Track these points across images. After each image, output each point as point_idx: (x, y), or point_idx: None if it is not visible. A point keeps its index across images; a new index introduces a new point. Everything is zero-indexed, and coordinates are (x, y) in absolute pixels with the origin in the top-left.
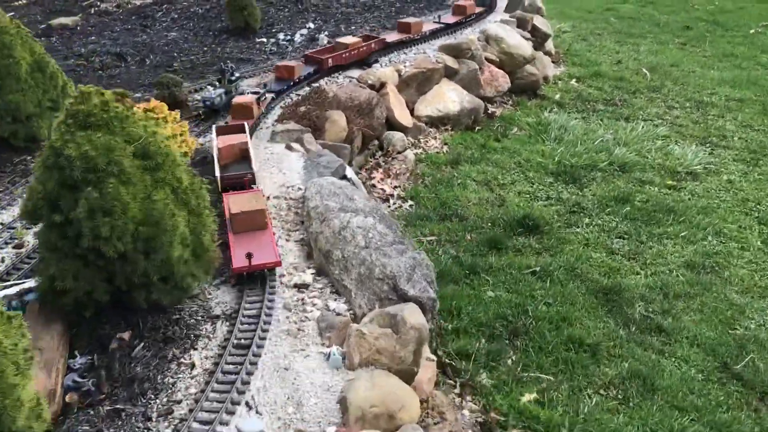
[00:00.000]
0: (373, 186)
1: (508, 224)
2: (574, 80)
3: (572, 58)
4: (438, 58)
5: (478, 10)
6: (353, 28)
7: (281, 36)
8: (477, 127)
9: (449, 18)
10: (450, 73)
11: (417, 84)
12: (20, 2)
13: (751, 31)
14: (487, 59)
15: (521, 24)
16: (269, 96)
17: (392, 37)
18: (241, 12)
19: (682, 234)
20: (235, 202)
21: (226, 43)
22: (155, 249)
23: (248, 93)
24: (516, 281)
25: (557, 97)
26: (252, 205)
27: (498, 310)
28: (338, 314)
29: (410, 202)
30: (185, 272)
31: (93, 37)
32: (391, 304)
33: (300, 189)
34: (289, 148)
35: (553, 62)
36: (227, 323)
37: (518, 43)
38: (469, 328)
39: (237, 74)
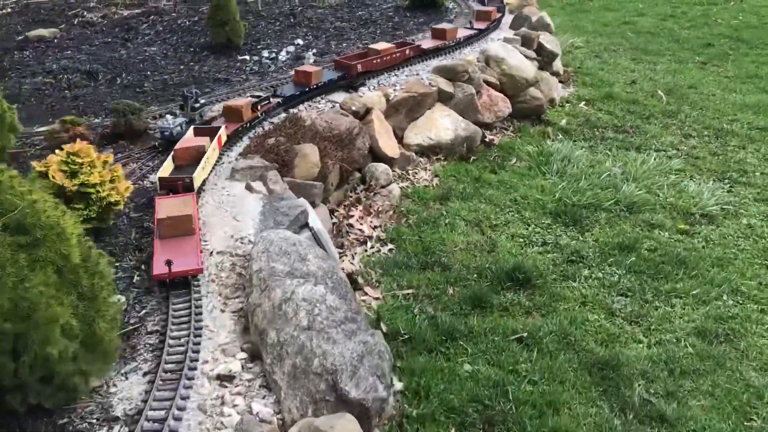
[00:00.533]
0: (351, 226)
1: (497, 276)
2: (583, 103)
3: (583, 77)
4: (431, 81)
5: (498, 15)
6: (344, 45)
7: (265, 53)
8: (472, 157)
9: (481, 24)
10: (444, 98)
11: (407, 110)
12: (3, 11)
13: None
14: (486, 82)
15: (526, 42)
16: (275, 101)
17: (428, 43)
18: (223, 27)
19: (694, 292)
20: (164, 207)
21: (206, 60)
22: (26, 348)
23: (248, 96)
24: (499, 350)
25: (563, 122)
26: (179, 210)
27: (474, 389)
28: (262, 420)
29: (390, 246)
30: (70, 371)
31: (69, 51)
32: (329, 409)
33: (251, 242)
34: (248, 188)
35: (561, 82)
36: (126, 429)
37: (521, 64)
38: (438, 414)
39: (202, 100)
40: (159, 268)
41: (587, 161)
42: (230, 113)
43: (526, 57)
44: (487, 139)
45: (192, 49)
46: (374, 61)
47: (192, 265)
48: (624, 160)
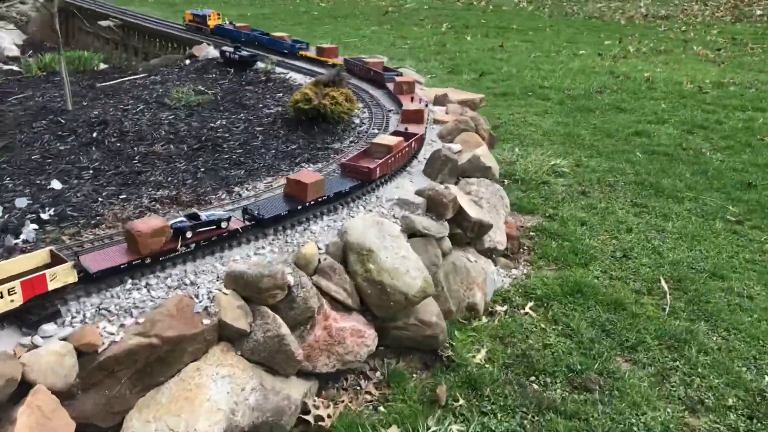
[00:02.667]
0: None
1: None
2: (529, 306)
3: (548, 242)
4: (212, 304)
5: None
6: (122, 197)
7: None
8: None
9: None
10: (232, 336)
11: (136, 370)
12: None
13: None
14: (328, 297)
15: (434, 208)
16: (236, 225)
17: (418, 129)
18: None
19: None
20: None
21: None
22: None
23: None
24: None
25: (478, 358)
26: None
27: None
28: None
29: None
30: None
31: None
32: None
33: None
34: None
35: (505, 256)
36: None
37: (401, 264)
38: None
39: None
40: None
41: None
42: (129, 239)
43: (428, 234)
44: (309, 417)
45: None
46: (389, 161)
47: None
48: None
